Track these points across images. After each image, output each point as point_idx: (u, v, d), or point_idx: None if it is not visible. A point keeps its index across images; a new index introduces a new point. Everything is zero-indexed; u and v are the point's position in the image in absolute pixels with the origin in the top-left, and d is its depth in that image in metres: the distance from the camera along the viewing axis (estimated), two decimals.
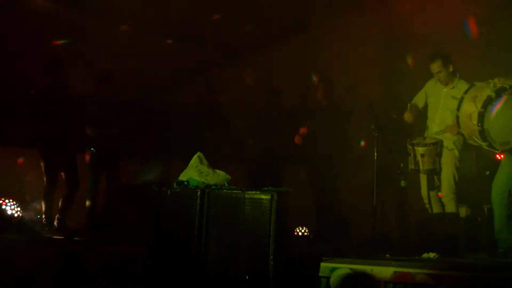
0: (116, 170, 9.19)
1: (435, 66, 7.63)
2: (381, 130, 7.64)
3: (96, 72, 9.21)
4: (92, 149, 8.84)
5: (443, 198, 7.70)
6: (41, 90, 8.61)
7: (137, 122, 9.39)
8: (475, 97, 7.19)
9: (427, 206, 7.78)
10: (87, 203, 8.95)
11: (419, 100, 7.92)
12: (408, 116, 7.83)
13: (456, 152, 7.63)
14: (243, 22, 10.27)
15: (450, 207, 7.65)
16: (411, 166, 7.68)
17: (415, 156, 7.63)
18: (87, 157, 8.97)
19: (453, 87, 7.63)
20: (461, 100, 7.29)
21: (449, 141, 7.62)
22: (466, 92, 7.31)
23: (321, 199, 9.40)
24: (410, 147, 7.68)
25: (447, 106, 7.61)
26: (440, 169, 7.64)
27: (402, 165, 7.69)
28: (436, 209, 7.76)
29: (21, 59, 8.90)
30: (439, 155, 7.61)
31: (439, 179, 7.72)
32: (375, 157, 7.56)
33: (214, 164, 6.91)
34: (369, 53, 9.92)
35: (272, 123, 9.68)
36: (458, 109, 7.30)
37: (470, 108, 7.20)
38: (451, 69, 7.61)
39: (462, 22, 9.37)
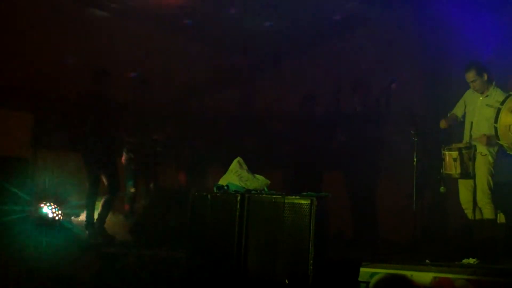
0: (153, 175, 9.29)
1: (470, 76, 7.62)
2: (421, 136, 7.63)
3: (130, 78, 9.33)
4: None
5: (478, 203, 7.63)
6: (84, 97, 8.74)
7: (174, 128, 9.46)
8: None
9: (466, 212, 7.74)
10: (126, 206, 9.06)
11: (458, 109, 7.91)
12: (443, 123, 7.84)
13: (490, 158, 7.55)
14: (278, 27, 10.29)
15: (486, 213, 7.58)
16: (445, 171, 7.65)
17: (448, 161, 7.62)
18: (123, 161, 9.09)
19: (487, 96, 7.61)
20: (498, 111, 7.26)
21: (482, 146, 7.58)
22: (503, 103, 7.27)
23: (358, 204, 9.40)
24: (444, 152, 7.67)
25: (482, 115, 7.60)
26: (474, 174, 7.62)
27: (442, 170, 7.67)
28: (476, 215, 7.70)
29: (65, 66, 9.01)
30: (472, 159, 7.57)
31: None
32: (415, 162, 7.54)
33: (253, 169, 6.96)
34: (407, 57, 9.84)
35: (308, 128, 9.68)
36: (496, 121, 7.27)
37: (509, 119, 7.18)
38: (485, 77, 7.57)
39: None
